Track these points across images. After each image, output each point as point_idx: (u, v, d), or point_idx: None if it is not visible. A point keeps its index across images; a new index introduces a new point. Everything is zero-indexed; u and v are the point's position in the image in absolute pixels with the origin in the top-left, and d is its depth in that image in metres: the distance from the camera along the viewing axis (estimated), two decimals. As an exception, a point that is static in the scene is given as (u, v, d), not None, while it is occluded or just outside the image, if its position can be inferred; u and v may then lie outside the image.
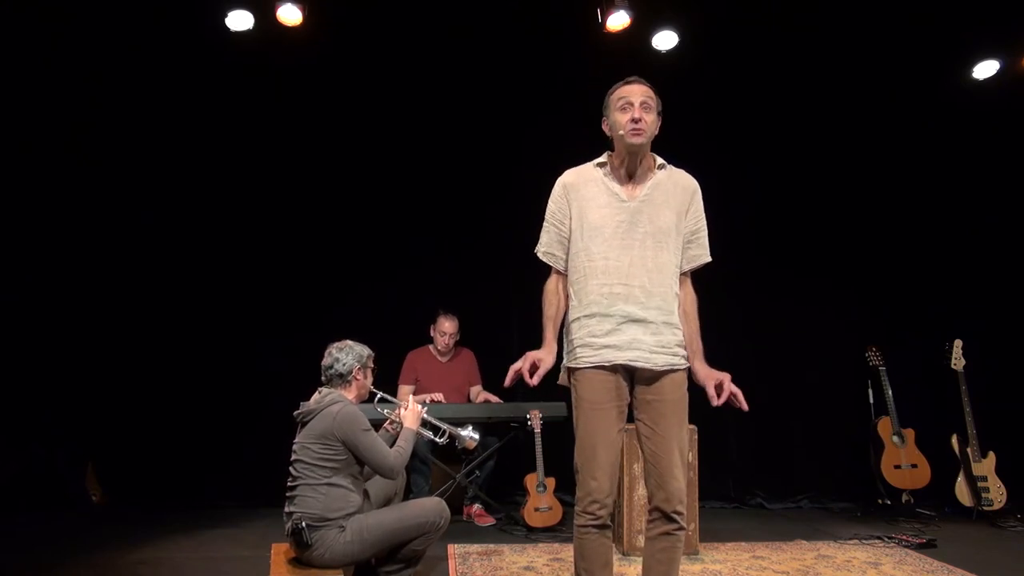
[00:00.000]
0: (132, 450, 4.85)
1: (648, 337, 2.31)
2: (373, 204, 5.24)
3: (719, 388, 2.32)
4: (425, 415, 3.21)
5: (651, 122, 2.35)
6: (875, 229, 5.53)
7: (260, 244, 5.13)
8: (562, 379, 2.49)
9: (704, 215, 2.49)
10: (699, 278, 2.55)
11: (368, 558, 2.88)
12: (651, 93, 2.38)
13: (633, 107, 2.32)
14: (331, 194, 5.21)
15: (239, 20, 4.29)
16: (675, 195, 2.41)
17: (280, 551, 2.94)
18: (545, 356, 2.33)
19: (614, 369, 2.32)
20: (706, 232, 2.49)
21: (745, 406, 2.31)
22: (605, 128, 2.45)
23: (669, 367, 2.33)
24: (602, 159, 2.46)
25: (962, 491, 4.84)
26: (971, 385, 4.94)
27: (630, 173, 2.40)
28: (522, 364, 2.28)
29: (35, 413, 4.73)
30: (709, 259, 2.50)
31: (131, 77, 4.77)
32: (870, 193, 5.52)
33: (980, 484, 4.79)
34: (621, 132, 2.34)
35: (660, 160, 2.44)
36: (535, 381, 2.29)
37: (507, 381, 2.31)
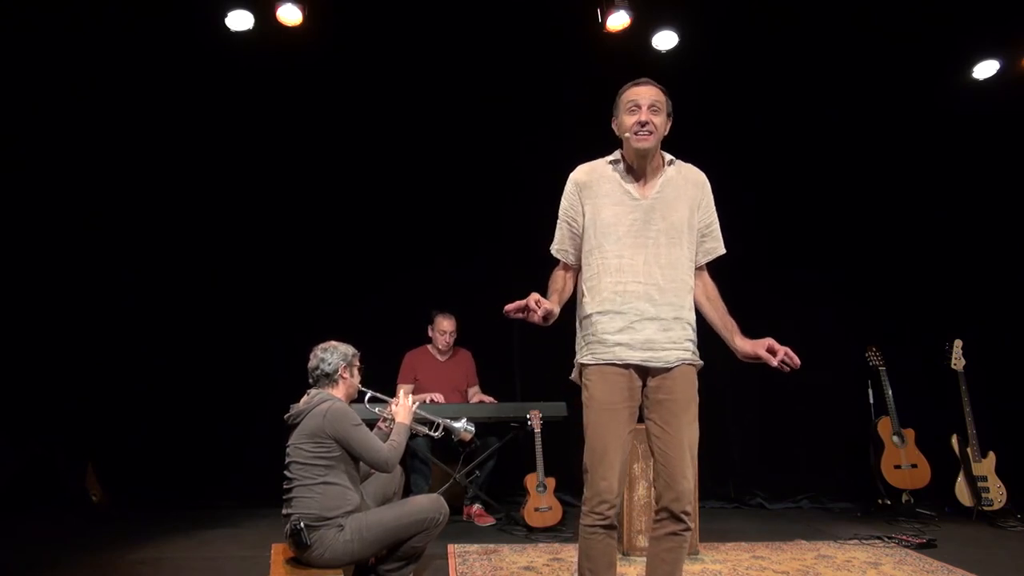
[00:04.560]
0: (132, 450, 4.85)
1: (660, 334, 2.31)
2: (372, 205, 5.24)
3: (771, 351, 2.32)
4: (417, 410, 3.20)
5: (660, 124, 2.35)
6: (875, 229, 5.53)
7: (260, 245, 5.13)
8: (574, 376, 2.49)
9: (715, 207, 2.50)
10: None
11: (368, 556, 2.88)
12: (660, 95, 2.37)
13: (641, 110, 2.32)
14: (330, 195, 5.21)
15: (239, 20, 4.29)
16: (686, 190, 2.42)
17: (280, 551, 2.93)
18: (551, 304, 2.29)
19: (626, 367, 2.32)
20: (718, 224, 2.51)
21: (798, 361, 2.30)
22: (614, 127, 2.44)
23: (680, 362, 2.33)
24: (615, 156, 2.45)
25: (962, 491, 4.84)
26: (971, 385, 4.93)
27: (640, 173, 2.40)
28: (528, 300, 2.22)
29: (35, 413, 4.73)
30: (724, 251, 2.52)
31: (130, 77, 4.76)
32: (870, 193, 5.52)
33: (980, 484, 4.79)
34: (628, 135, 2.34)
35: (669, 156, 2.45)
36: (538, 316, 2.21)
37: (509, 308, 2.23)
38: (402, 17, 4.71)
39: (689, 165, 2.49)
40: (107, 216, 4.96)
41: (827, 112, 5.32)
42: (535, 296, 2.24)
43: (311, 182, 5.20)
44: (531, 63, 4.98)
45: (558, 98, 5.06)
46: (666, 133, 2.40)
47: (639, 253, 2.33)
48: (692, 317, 2.41)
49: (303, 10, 4.23)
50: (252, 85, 4.93)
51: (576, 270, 2.50)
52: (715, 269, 2.57)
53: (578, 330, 2.46)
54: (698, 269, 2.47)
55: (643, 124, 2.31)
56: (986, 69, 4.92)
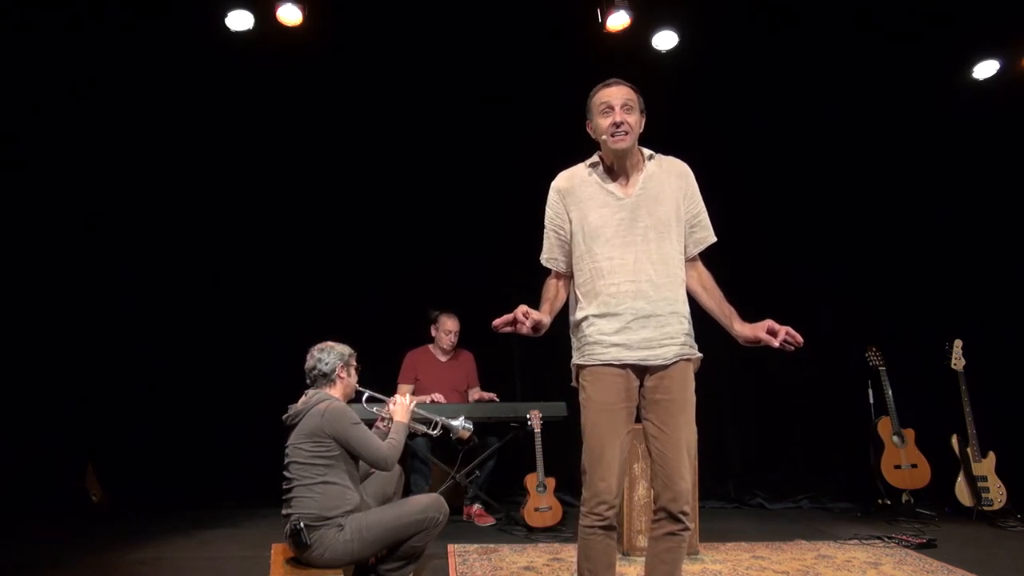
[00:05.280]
0: (132, 450, 4.85)
1: (656, 332, 2.31)
2: (372, 205, 5.24)
3: (772, 332, 2.31)
4: (415, 408, 3.20)
5: (634, 123, 2.35)
6: (875, 229, 5.53)
7: (260, 245, 5.13)
8: (574, 381, 2.48)
9: (701, 196, 2.49)
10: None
11: (368, 556, 2.88)
12: (632, 94, 2.38)
13: (614, 111, 2.33)
14: (330, 195, 5.22)
15: (239, 20, 4.29)
16: (669, 183, 2.42)
17: (280, 551, 2.93)
18: (539, 314, 2.31)
19: (624, 368, 2.32)
20: (706, 213, 2.49)
21: (800, 338, 2.28)
22: (589, 131, 2.46)
23: (678, 357, 2.33)
24: (594, 159, 2.46)
25: (962, 491, 4.84)
26: (971, 385, 4.93)
27: (621, 172, 2.41)
28: (515, 312, 2.24)
29: (35, 413, 4.73)
30: (715, 239, 2.50)
31: (131, 77, 4.76)
32: (870, 193, 5.52)
33: (980, 484, 4.79)
34: (604, 137, 2.35)
35: (648, 152, 2.45)
36: (527, 328, 2.24)
37: (497, 323, 2.27)
38: (402, 17, 4.71)
39: (670, 157, 2.49)
40: (107, 216, 4.97)
41: (827, 112, 5.32)
42: (523, 308, 2.25)
43: (311, 182, 5.20)
44: (531, 63, 4.98)
45: (558, 98, 5.04)
46: (641, 130, 2.41)
47: (628, 252, 2.33)
48: (687, 310, 2.41)
49: (303, 10, 4.23)
50: (252, 85, 4.92)
51: (568, 277, 2.49)
52: (714, 269, 2.56)
53: (573, 333, 2.46)
54: (691, 260, 2.47)
55: (618, 125, 2.32)
56: (986, 69, 4.92)
